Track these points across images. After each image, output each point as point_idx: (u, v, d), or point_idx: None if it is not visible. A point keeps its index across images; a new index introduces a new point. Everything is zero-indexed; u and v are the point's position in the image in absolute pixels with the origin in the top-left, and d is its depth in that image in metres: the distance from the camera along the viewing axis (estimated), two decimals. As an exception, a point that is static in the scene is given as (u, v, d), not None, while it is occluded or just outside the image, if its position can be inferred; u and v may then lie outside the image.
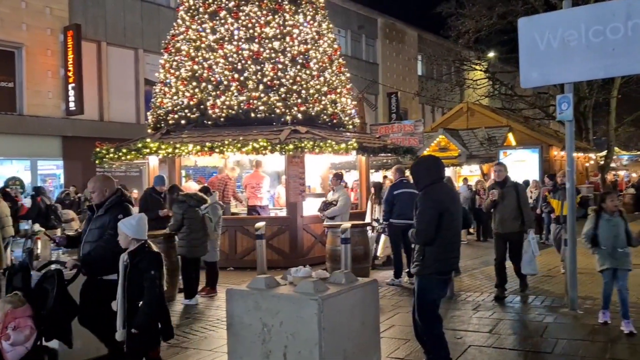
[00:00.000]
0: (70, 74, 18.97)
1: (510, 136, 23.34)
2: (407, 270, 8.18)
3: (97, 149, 11.37)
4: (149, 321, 4.01)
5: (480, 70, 28.69)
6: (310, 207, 11.01)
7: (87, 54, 19.61)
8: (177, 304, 7.72)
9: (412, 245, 4.88)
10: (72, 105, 18.99)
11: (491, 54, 28.63)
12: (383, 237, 10.20)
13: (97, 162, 11.50)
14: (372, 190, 10.98)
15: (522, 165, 19.08)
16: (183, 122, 11.34)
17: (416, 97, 32.85)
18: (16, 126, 17.79)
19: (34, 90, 18.43)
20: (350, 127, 12.73)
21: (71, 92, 18.98)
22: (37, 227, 10.97)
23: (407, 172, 8.29)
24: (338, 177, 10.31)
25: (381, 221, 9.46)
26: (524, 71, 6.96)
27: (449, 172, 19.59)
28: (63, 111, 19.10)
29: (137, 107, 21.64)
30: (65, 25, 19.11)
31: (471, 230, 15.05)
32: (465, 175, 20.36)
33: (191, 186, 11.09)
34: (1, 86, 17.95)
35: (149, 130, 12.36)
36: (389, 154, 12.67)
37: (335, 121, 12.03)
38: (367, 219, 10.63)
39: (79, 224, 15.16)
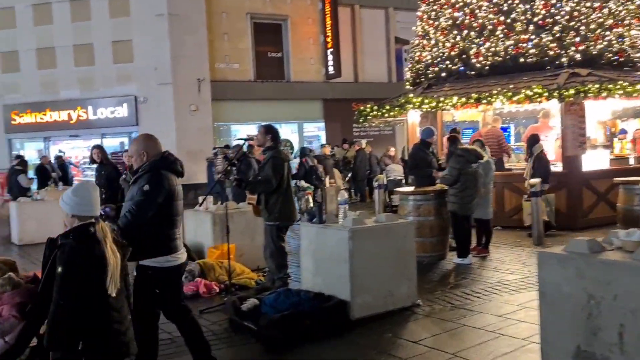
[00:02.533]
0: (328, 39, 20.03)
1: None
2: None
3: (362, 108, 11.66)
4: (53, 335, 2.80)
5: None
6: (591, 162, 9.63)
7: (342, 18, 20.42)
8: (448, 262, 7.44)
9: None
10: (331, 69, 20.10)
11: None
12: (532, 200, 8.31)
13: (360, 120, 11.81)
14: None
15: None
16: (444, 74, 10.87)
17: None
18: (284, 92, 19.55)
19: (299, 57, 19.96)
20: (641, 64, 10.69)
21: (330, 57, 20.07)
22: (302, 183, 11.87)
23: None
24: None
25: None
26: None
27: None
28: (323, 75, 20.33)
29: (388, 66, 21.91)
30: (323, -7, 20.16)
31: None
32: None
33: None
34: (272, 57, 19.86)
35: (408, 86, 12.20)
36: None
37: (622, 59, 10.19)
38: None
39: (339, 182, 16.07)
